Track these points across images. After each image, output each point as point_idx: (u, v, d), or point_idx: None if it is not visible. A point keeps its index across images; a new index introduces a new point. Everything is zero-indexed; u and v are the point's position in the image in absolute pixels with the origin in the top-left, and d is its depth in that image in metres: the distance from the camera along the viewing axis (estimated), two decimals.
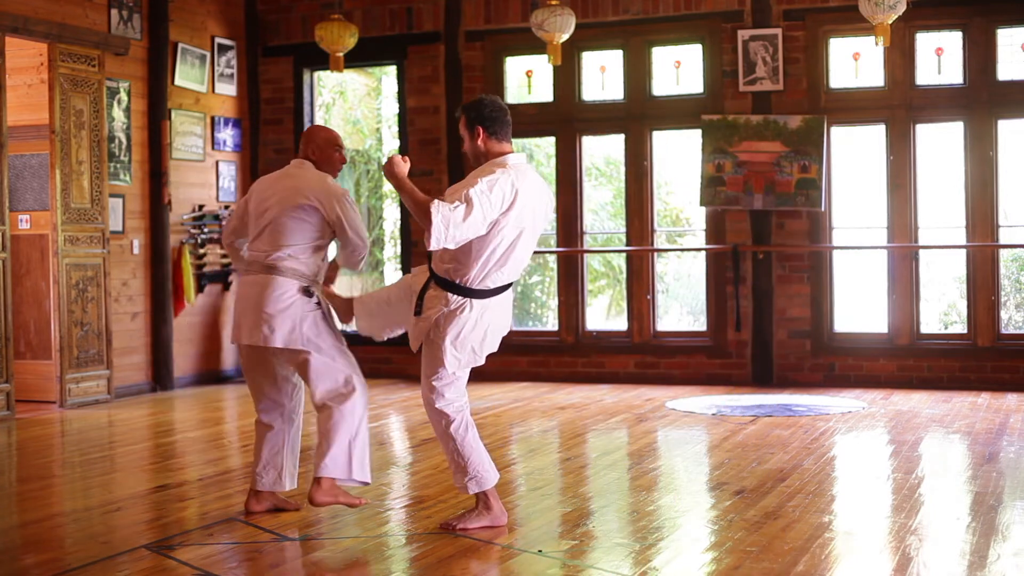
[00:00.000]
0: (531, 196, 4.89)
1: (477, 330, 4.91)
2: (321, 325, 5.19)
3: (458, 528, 4.99)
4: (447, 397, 4.95)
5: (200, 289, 10.45)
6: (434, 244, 4.62)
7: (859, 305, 10.41)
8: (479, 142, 4.94)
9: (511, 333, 11.43)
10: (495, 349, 5.06)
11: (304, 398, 5.47)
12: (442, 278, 4.88)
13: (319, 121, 11.70)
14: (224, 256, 10.69)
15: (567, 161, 10.39)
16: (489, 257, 4.83)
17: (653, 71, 10.19)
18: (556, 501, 5.73)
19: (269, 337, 5.10)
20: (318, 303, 5.21)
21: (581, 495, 5.86)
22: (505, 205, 4.78)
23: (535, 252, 13.49)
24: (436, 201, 4.61)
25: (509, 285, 5.00)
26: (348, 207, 5.23)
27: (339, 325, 5.37)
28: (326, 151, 5.38)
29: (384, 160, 5.28)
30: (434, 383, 4.93)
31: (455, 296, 4.87)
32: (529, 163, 5.03)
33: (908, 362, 9.55)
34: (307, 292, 5.16)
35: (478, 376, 10.51)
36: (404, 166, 4.76)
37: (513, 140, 12.47)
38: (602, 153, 12.51)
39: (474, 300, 4.88)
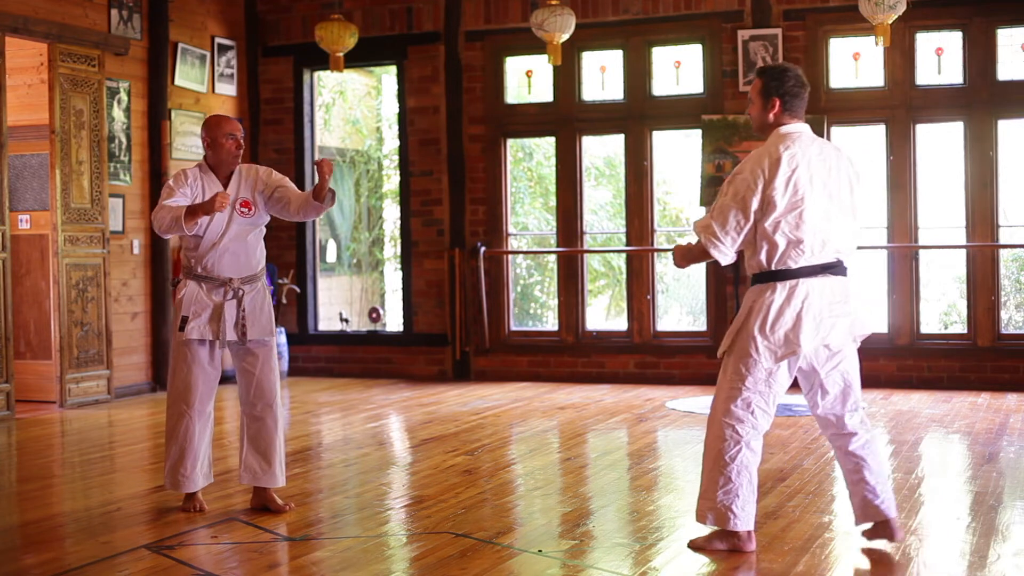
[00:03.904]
0: (810, 162, 4.55)
1: (786, 316, 4.59)
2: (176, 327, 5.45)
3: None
4: None
5: None
6: (726, 262, 4.56)
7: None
8: (771, 114, 4.66)
9: (510, 333, 11.39)
10: (827, 340, 4.72)
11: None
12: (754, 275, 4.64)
13: (319, 121, 11.70)
14: None
15: (567, 161, 10.38)
16: (776, 235, 4.54)
17: (653, 71, 10.19)
18: (556, 501, 5.73)
19: None
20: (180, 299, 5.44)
21: (581, 495, 5.86)
22: (759, 185, 4.49)
23: (535, 252, 13.32)
24: (708, 241, 4.51)
25: (828, 267, 4.65)
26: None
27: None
28: (217, 140, 5.38)
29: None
30: None
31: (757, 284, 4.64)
32: (813, 136, 4.66)
33: (908, 362, 9.55)
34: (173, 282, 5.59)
35: (479, 376, 10.55)
36: (681, 255, 4.71)
37: (511, 141, 12.39)
38: (602, 153, 12.51)
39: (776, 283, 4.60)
